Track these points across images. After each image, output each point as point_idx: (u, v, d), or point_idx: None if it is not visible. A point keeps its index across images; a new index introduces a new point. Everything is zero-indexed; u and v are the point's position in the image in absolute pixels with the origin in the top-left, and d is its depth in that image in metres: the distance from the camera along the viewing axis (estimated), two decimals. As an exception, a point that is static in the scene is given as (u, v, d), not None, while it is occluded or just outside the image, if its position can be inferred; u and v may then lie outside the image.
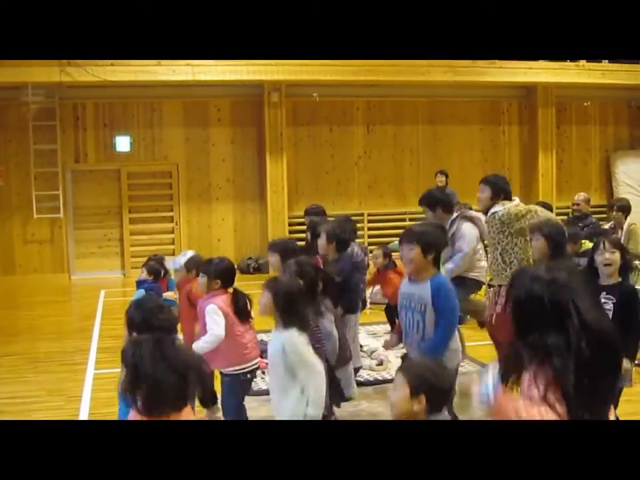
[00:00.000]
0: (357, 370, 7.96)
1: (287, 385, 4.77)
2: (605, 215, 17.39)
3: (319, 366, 4.81)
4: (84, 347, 9.70)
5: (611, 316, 5.21)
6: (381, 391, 7.58)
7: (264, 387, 7.77)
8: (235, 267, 6.05)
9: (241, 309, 5.95)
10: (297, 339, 4.75)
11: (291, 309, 4.84)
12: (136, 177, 16.53)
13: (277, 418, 4.97)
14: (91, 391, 7.73)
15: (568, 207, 13.90)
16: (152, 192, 16.62)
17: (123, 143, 16.36)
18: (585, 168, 18.71)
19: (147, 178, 16.59)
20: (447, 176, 14.97)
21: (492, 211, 7.37)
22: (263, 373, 8.21)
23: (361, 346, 8.74)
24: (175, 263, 7.94)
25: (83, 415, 7.00)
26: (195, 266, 7.69)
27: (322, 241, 7.59)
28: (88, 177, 16.42)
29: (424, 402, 3.35)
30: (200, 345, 5.69)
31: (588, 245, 8.63)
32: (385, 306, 9.74)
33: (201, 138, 16.73)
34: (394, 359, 8.49)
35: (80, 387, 7.92)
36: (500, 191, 7.39)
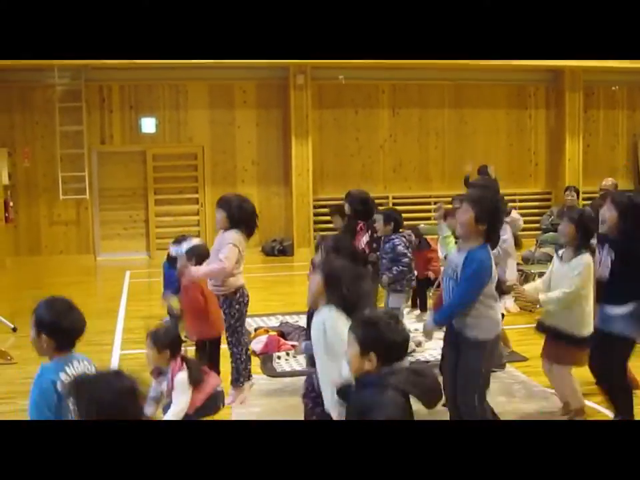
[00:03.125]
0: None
1: (327, 365, 4.53)
2: (631, 200, 17.29)
3: (342, 362, 4.64)
4: (110, 328, 9.76)
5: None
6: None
7: (287, 369, 7.79)
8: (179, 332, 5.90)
9: (192, 375, 5.57)
10: (335, 316, 4.52)
11: (338, 287, 4.57)
12: (161, 159, 16.57)
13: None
14: (117, 371, 7.77)
15: (594, 192, 13.78)
16: (177, 174, 16.65)
17: (148, 125, 16.40)
18: (612, 152, 18.55)
19: (172, 160, 16.63)
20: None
21: None
22: (287, 354, 8.24)
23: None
24: (177, 249, 7.98)
25: (109, 395, 7.04)
26: (196, 256, 7.71)
27: (379, 224, 7.99)
28: (113, 158, 16.48)
29: (374, 359, 3.31)
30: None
31: None
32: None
33: (226, 120, 16.73)
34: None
35: (106, 367, 7.95)
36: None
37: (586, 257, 5.92)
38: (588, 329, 5.94)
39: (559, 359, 6.15)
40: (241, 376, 6.27)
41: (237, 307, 6.23)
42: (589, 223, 6.10)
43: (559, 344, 6.07)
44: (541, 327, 6.24)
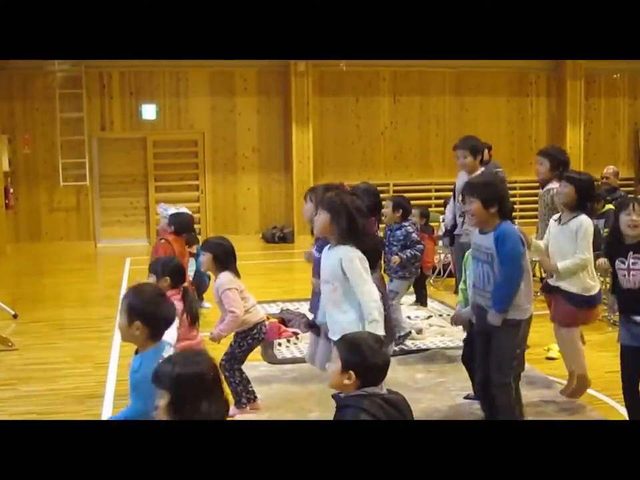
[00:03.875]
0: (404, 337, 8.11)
1: (341, 299, 4.98)
2: (632, 189, 17.30)
3: (372, 282, 4.95)
4: (110, 315, 9.72)
5: None
6: (405, 361, 7.57)
7: (288, 356, 7.79)
8: (183, 266, 5.89)
9: (191, 308, 5.63)
10: (353, 253, 4.86)
11: (351, 225, 4.90)
12: (162, 146, 16.55)
13: (331, 334, 5.09)
14: (118, 358, 7.78)
15: (596, 180, 13.75)
16: (178, 160, 16.64)
17: (148, 111, 16.37)
18: (613, 141, 18.52)
19: (173, 146, 16.61)
20: (489, 149, 14.55)
21: (548, 186, 7.32)
22: (288, 341, 8.24)
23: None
24: (164, 210, 8.00)
25: (111, 382, 7.05)
26: (175, 223, 7.73)
27: (388, 210, 8.00)
28: (114, 145, 16.47)
29: (354, 378, 3.35)
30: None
31: (608, 206, 8.60)
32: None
33: (226, 107, 16.70)
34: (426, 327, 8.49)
35: (107, 353, 7.95)
36: (558, 164, 7.28)
37: (584, 218, 5.97)
38: (595, 287, 5.98)
39: (568, 321, 6.16)
40: (241, 397, 6.17)
41: (250, 341, 6.10)
42: (588, 186, 6.15)
43: (567, 307, 6.08)
44: (547, 288, 6.28)
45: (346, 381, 3.37)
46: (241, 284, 6.01)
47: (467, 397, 6.34)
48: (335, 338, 4.97)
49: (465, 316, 5.81)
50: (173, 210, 8.16)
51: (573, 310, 6.08)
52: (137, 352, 3.92)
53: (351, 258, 4.88)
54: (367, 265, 4.95)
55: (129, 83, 16.27)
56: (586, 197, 6.08)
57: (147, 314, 3.77)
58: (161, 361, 3.15)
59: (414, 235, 7.94)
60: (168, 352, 3.80)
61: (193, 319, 5.59)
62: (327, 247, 5.15)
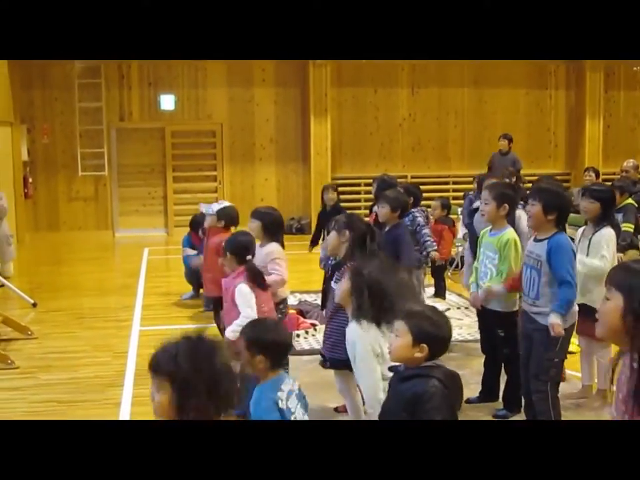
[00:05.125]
0: None
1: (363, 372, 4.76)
2: (652, 182, 17.20)
3: (377, 368, 4.70)
4: (128, 304, 9.79)
5: None
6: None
7: (306, 347, 7.80)
8: (251, 240, 5.98)
9: (257, 277, 5.74)
10: (366, 339, 4.66)
11: (368, 304, 4.67)
12: (180, 136, 16.58)
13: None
14: (137, 347, 7.81)
15: (614, 173, 13.71)
16: (196, 151, 16.66)
17: (167, 102, 16.40)
18: (632, 134, 18.40)
19: (191, 137, 16.64)
20: (510, 140, 14.48)
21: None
22: (307, 332, 8.25)
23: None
24: (209, 208, 8.02)
25: (130, 371, 7.08)
26: (225, 217, 7.77)
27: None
28: (132, 135, 16.51)
29: (426, 350, 3.44)
30: (234, 329, 5.35)
31: (630, 201, 8.55)
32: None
33: (244, 98, 16.71)
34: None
35: (126, 342, 7.99)
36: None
37: (608, 230, 5.98)
38: None
39: (591, 333, 6.11)
40: None
41: (279, 316, 6.20)
42: (610, 200, 6.15)
43: (588, 319, 6.04)
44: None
45: (417, 354, 3.44)
46: (285, 257, 6.22)
47: (467, 401, 6.26)
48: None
49: (480, 295, 5.89)
50: (216, 206, 8.15)
51: (591, 322, 6.00)
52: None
53: (364, 344, 4.66)
54: (369, 347, 4.70)
55: (147, 74, 16.30)
56: (609, 208, 6.11)
57: (267, 346, 3.91)
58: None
59: (420, 219, 7.83)
60: (287, 384, 3.94)
61: (260, 285, 5.69)
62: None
